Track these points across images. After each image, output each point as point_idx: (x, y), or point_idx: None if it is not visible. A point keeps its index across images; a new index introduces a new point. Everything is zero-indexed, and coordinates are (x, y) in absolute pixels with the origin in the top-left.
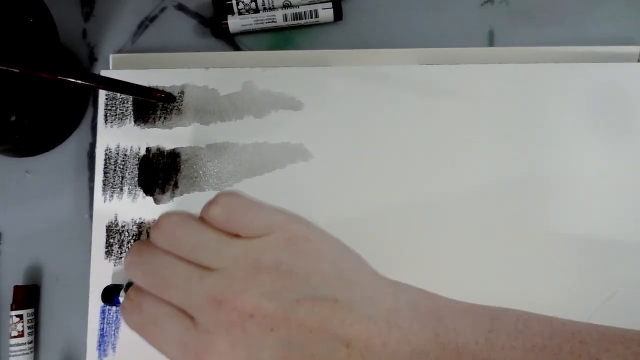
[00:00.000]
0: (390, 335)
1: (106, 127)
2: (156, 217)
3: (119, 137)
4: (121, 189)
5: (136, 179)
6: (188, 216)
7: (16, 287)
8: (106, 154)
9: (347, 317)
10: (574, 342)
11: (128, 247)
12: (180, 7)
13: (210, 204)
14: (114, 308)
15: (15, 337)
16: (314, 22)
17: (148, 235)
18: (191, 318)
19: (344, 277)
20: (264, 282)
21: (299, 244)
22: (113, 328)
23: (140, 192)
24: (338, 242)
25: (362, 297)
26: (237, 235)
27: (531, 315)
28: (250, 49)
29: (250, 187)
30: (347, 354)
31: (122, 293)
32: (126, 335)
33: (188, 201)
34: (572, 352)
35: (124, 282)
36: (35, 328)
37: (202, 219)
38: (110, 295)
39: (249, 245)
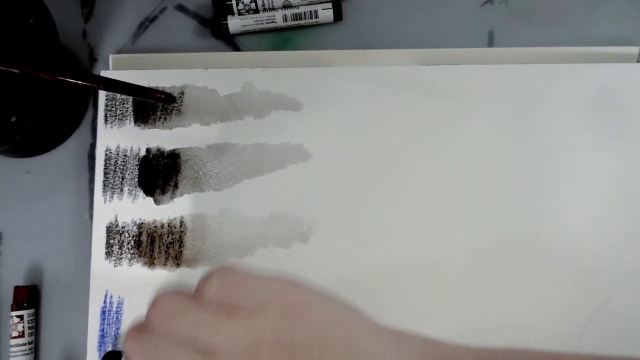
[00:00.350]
0: None
1: (106, 127)
2: (157, 218)
3: (119, 137)
4: (121, 190)
5: (136, 179)
6: (184, 296)
7: (17, 288)
8: (106, 154)
9: None
10: None
11: (128, 248)
12: (180, 8)
13: (204, 282)
14: (114, 308)
15: (15, 337)
16: (314, 23)
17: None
18: None
19: (346, 341)
20: None
21: (296, 316)
22: (113, 329)
23: (141, 193)
24: (337, 302)
25: (366, 353)
26: (231, 312)
27: (543, 353)
28: (250, 50)
29: (250, 188)
30: None
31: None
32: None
33: (188, 202)
34: None
35: None
36: (35, 329)
37: (196, 295)
38: (113, 357)
39: (247, 324)
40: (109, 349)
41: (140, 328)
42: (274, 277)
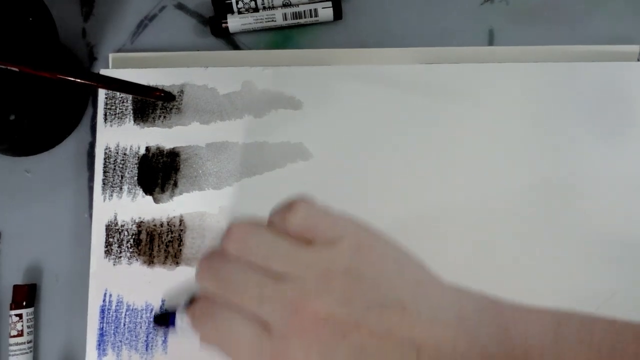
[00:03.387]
0: (460, 338)
1: (106, 126)
2: (156, 217)
3: (119, 136)
4: (121, 188)
5: (136, 178)
6: (258, 224)
7: (16, 287)
8: (106, 153)
9: (415, 323)
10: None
11: (127, 247)
12: (180, 6)
13: (288, 211)
14: (113, 307)
15: (14, 336)
16: (314, 21)
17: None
18: (265, 324)
19: (411, 282)
20: (335, 289)
21: (368, 252)
22: (113, 328)
23: (140, 192)
24: (403, 249)
25: (429, 302)
26: (307, 241)
27: (594, 317)
28: (249, 48)
29: (250, 187)
30: (418, 358)
31: (179, 312)
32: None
33: (188, 200)
34: (637, 353)
35: (156, 302)
36: (34, 327)
37: (271, 225)
38: (165, 318)
39: (320, 253)
40: (109, 348)
41: (213, 254)
42: (350, 217)
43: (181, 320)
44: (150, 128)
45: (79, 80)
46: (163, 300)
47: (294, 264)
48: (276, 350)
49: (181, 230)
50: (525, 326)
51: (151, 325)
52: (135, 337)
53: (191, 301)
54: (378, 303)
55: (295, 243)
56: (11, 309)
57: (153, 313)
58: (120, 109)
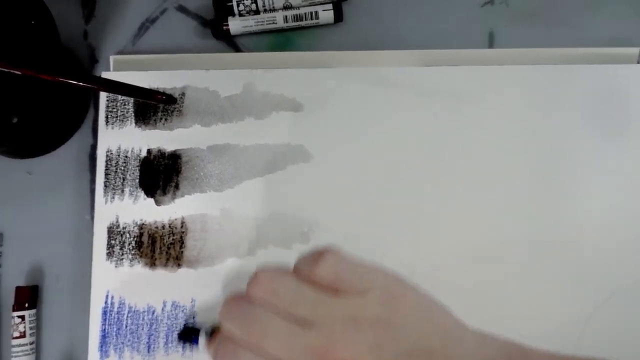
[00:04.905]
0: None
1: (107, 128)
2: (158, 219)
3: (120, 138)
4: (122, 191)
5: (137, 180)
6: (285, 272)
7: (18, 288)
8: (107, 155)
9: None
10: None
11: (129, 249)
12: (181, 9)
13: (315, 261)
14: (115, 309)
15: (17, 337)
16: (315, 24)
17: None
18: None
19: (439, 330)
20: (364, 337)
21: (396, 301)
22: (114, 329)
23: (142, 194)
24: (430, 297)
25: (457, 349)
26: (334, 290)
27: None
28: (250, 51)
29: (251, 189)
30: None
31: (202, 334)
32: None
33: (189, 202)
34: None
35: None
36: (37, 329)
37: (298, 271)
38: (189, 335)
39: (348, 302)
40: (111, 349)
41: (239, 298)
42: (378, 267)
43: (203, 343)
44: (152, 130)
45: (80, 83)
46: (194, 300)
47: (321, 311)
48: None
49: (183, 232)
50: None
51: (153, 328)
52: (137, 338)
53: (213, 331)
54: (406, 352)
55: (323, 291)
56: (13, 310)
57: (180, 326)
58: (121, 111)
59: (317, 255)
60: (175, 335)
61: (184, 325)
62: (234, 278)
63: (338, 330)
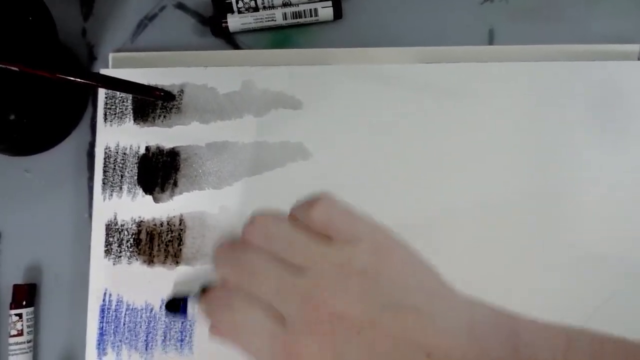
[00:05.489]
0: (470, 348)
1: (105, 125)
2: (156, 216)
3: (119, 135)
4: (120, 188)
5: (136, 177)
6: (280, 217)
7: (16, 286)
8: (106, 152)
9: (428, 328)
10: None
11: (127, 246)
12: (180, 6)
13: (309, 206)
14: (113, 307)
15: (14, 336)
16: (314, 21)
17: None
18: (280, 317)
19: (426, 288)
20: (352, 286)
21: (386, 254)
22: (112, 327)
23: (140, 191)
24: (420, 255)
25: (443, 309)
26: (327, 237)
27: (606, 337)
28: (249, 48)
29: (250, 186)
30: None
31: (190, 300)
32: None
33: (188, 200)
34: None
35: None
36: (34, 327)
37: (293, 218)
38: (176, 304)
39: (339, 250)
40: (108, 347)
41: (234, 242)
42: (371, 218)
43: (193, 308)
44: (150, 127)
45: (78, 80)
46: (162, 300)
47: (313, 258)
48: (290, 344)
49: (181, 229)
50: (535, 341)
51: (151, 325)
52: (135, 336)
53: (203, 290)
54: (393, 304)
55: (316, 238)
56: (11, 308)
57: (165, 300)
58: (120, 108)
59: (311, 201)
60: (172, 332)
61: (170, 296)
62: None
63: (327, 278)
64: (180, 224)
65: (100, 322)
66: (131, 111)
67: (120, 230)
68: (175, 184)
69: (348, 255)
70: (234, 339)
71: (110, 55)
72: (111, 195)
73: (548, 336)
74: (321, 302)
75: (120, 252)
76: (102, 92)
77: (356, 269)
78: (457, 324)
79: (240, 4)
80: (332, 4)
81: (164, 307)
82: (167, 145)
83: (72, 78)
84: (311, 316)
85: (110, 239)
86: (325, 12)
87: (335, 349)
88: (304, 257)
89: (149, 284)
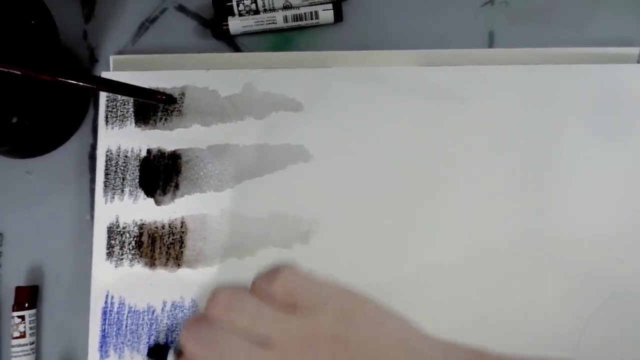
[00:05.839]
0: None
1: (107, 128)
2: (158, 219)
3: (120, 138)
4: (122, 191)
5: (137, 180)
6: (242, 290)
7: (18, 288)
8: (107, 155)
9: None
10: None
11: (129, 249)
12: (181, 9)
13: (270, 280)
14: (115, 309)
15: (17, 337)
16: (314, 24)
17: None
18: None
19: (396, 343)
20: (322, 355)
21: (352, 317)
22: (114, 329)
23: (141, 194)
24: (389, 309)
25: (416, 358)
26: (292, 307)
27: None
28: (250, 50)
29: (251, 188)
30: None
31: (170, 353)
32: None
33: (189, 202)
34: None
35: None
36: (37, 329)
37: (256, 289)
38: (159, 352)
39: (305, 318)
40: (111, 349)
41: (199, 318)
42: (332, 282)
43: None
44: (152, 130)
45: (79, 83)
46: (193, 300)
47: (279, 330)
48: None
49: (182, 232)
50: None
51: (153, 328)
52: (137, 338)
53: (177, 350)
54: None
55: (280, 309)
56: (13, 310)
57: (149, 344)
58: (121, 111)
59: (274, 272)
60: (174, 335)
61: (155, 342)
62: (233, 278)
63: (295, 350)
64: (181, 227)
65: (103, 324)
66: (132, 114)
67: (122, 232)
68: (176, 187)
69: (314, 323)
70: None
71: (112, 58)
72: (113, 197)
73: None
74: None
75: (122, 254)
76: (103, 95)
77: (324, 337)
78: None
79: (241, 7)
80: (333, 6)
81: (146, 353)
82: (169, 147)
83: (73, 81)
84: None
85: (112, 242)
86: (326, 14)
87: None
88: (270, 328)
89: (150, 287)
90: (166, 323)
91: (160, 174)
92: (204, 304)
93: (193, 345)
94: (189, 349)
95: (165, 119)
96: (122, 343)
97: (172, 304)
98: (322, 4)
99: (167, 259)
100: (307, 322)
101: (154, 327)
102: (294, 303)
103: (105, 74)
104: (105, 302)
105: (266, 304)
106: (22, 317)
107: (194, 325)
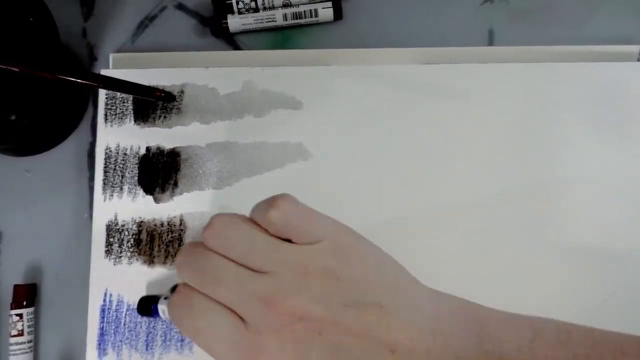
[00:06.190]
0: (434, 342)
1: (106, 126)
2: (157, 217)
3: (119, 136)
4: (121, 188)
5: (136, 178)
6: (240, 218)
7: (16, 286)
8: (106, 153)
9: (392, 323)
10: (616, 352)
11: (128, 246)
12: (180, 7)
13: (268, 207)
14: (114, 307)
15: (15, 336)
16: (314, 22)
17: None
18: (241, 318)
19: (388, 284)
20: (313, 286)
21: (346, 252)
22: (113, 327)
23: (140, 192)
24: (382, 251)
25: (406, 304)
26: (287, 240)
27: (572, 326)
28: (250, 49)
29: (250, 187)
30: (392, 359)
31: (161, 302)
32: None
33: (188, 200)
34: None
35: (144, 293)
36: (35, 327)
37: (253, 220)
38: (147, 304)
39: (299, 250)
40: (109, 347)
41: (194, 244)
42: (331, 218)
43: (163, 311)
44: (151, 128)
45: (79, 81)
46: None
47: (272, 259)
48: (252, 345)
49: (181, 230)
50: (500, 331)
51: (152, 325)
52: (136, 336)
53: (173, 290)
54: (355, 302)
55: (275, 240)
56: (11, 308)
57: (137, 301)
58: (120, 109)
59: (270, 202)
60: (173, 333)
61: (143, 296)
62: None
63: (287, 279)
64: (180, 225)
65: (101, 322)
66: (132, 112)
67: (120, 230)
68: (175, 185)
69: (308, 256)
70: (197, 341)
71: (111, 56)
72: (112, 195)
73: (513, 327)
74: (281, 302)
75: (121, 252)
76: (102, 93)
77: (316, 269)
78: (421, 318)
79: (241, 5)
80: (333, 4)
81: (136, 310)
82: (168, 145)
83: (72, 79)
84: (272, 318)
85: (111, 239)
86: (326, 13)
87: (298, 350)
88: (264, 259)
89: (149, 285)
90: (164, 321)
91: (159, 172)
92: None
93: (186, 270)
94: (182, 274)
95: (165, 117)
96: (121, 341)
97: (194, 240)
98: (321, 2)
99: (166, 257)
100: (300, 255)
101: (152, 325)
102: (289, 234)
103: (104, 72)
104: (104, 300)
105: (262, 233)
106: (20, 315)
107: (189, 251)
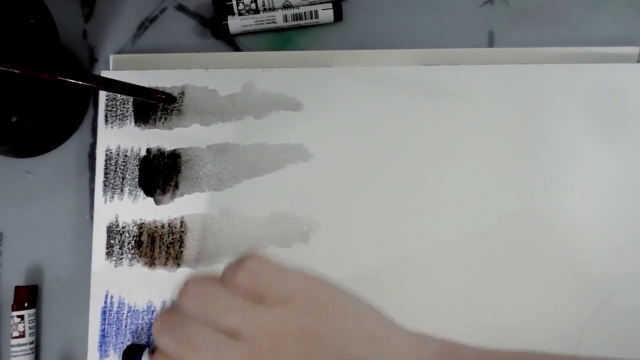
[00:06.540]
0: None
1: (107, 127)
2: (157, 218)
3: (120, 137)
4: (122, 190)
5: (137, 179)
6: (213, 280)
7: (17, 288)
8: (107, 154)
9: None
10: None
11: (129, 248)
12: (181, 8)
13: (236, 269)
14: (115, 309)
15: (16, 337)
16: (314, 23)
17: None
18: None
19: (367, 334)
20: (290, 348)
21: (320, 307)
22: (114, 329)
23: (141, 193)
24: (359, 300)
25: (387, 353)
26: (259, 298)
27: (557, 356)
28: (250, 50)
29: (251, 188)
30: None
31: (145, 354)
32: None
33: (188, 202)
34: None
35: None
36: (36, 328)
37: (225, 282)
38: (132, 355)
39: (272, 313)
40: (110, 349)
41: (171, 310)
42: (301, 272)
43: None
44: (151, 130)
45: (79, 82)
46: (164, 301)
47: (248, 321)
48: None
49: (182, 231)
50: None
51: (147, 323)
52: (137, 338)
53: (154, 349)
54: (334, 357)
55: (248, 300)
56: (13, 310)
57: (125, 346)
58: (121, 110)
59: (239, 261)
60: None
61: (130, 343)
62: None
63: (264, 343)
64: (181, 226)
65: (102, 324)
66: (132, 113)
67: (121, 232)
68: (176, 186)
69: (281, 316)
70: None
71: (111, 57)
72: (112, 197)
73: None
74: None
75: (122, 254)
76: (103, 94)
77: (292, 329)
78: None
79: (241, 6)
80: (333, 6)
81: (121, 355)
82: (168, 147)
83: (73, 80)
84: None
85: (112, 241)
86: (326, 14)
87: None
88: (240, 320)
89: (150, 286)
90: None
91: (159, 174)
92: (176, 295)
93: (163, 337)
94: (161, 342)
95: (165, 119)
96: (122, 342)
97: (172, 304)
98: (321, 3)
99: (167, 259)
100: (273, 315)
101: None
102: (260, 293)
103: (105, 73)
104: (105, 302)
105: (235, 296)
106: (22, 317)
107: (166, 317)
